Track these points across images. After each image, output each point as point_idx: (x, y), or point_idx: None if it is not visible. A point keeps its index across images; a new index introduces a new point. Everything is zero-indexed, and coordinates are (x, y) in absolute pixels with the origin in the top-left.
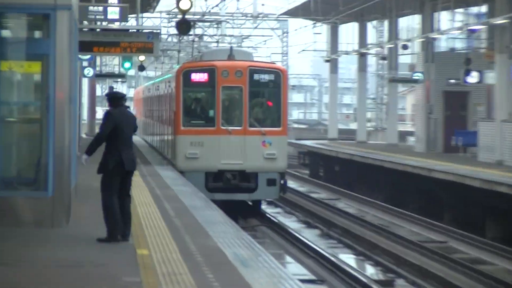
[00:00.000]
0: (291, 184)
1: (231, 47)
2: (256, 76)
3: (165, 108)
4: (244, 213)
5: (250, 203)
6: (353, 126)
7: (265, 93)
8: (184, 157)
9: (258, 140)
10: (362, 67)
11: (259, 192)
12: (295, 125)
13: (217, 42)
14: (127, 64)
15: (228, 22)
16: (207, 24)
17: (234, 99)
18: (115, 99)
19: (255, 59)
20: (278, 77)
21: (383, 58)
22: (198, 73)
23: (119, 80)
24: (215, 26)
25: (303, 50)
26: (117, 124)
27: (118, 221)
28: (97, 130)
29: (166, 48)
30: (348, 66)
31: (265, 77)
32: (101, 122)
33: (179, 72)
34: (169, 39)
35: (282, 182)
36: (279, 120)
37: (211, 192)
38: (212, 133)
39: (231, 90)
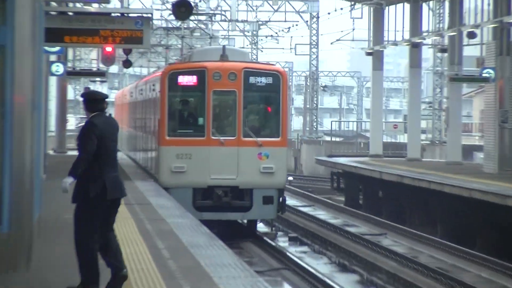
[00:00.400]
0: (321, 215)
1: (224, 46)
2: (252, 79)
3: (149, 116)
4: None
5: (244, 222)
6: (402, 138)
7: (262, 99)
8: (169, 171)
9: (253, 152)
10: (415, 62)
11: (254, 211)
12: (327, 138)
13: (211, 38)
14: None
15: (239, 4)
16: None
17: (227, 105)
18: (94, 102)
19: (274, 54)
20: (277, 80)
21: (443, 50)
22: (186, 76)
23: (98, 79)
24: (209, 19)
25: (338, 40)
26: (102, 138)
27: (95, 268)
28: (69, 145)
29: (154, 44)
30: (396, 60)
31: (263, 81)
32: (80, 136)
33: (164, 74)
34: (158, 29)
35: (280, 199)
36: (278, 129)
37: (200, 211)
38: (201, 144)
39: (224, 95)
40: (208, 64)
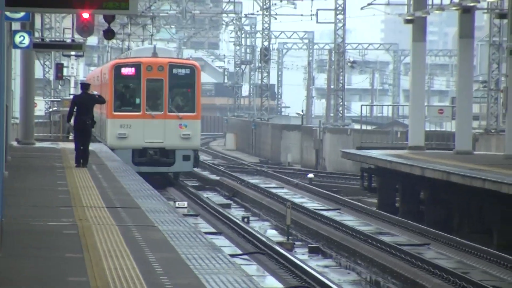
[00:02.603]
0: (349, 221)
1: (155, 46)
2: (175, 71)
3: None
4: None
5: (171, 174)
6: (449, 127)
7: (182, 85)
8: (115, 137)
9: (175, 123)
10: (466, 31)
11: (176, 165)
12: (356, 126)
13: (152, 36)
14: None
15: None
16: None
17: (157, 89)
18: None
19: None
20: (193, 71)
21: (502, 16)
22: (127, 68)
23: (73, 53)
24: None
25: (370, 4)
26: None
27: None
28: (37, 134)
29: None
30: (443, 29)
31: (182, 71)
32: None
33: (111, 66)
34: None
35: (194, 157)
36: (194, 106)
37: (137, 165)
38: (138, 117)
39: (154, 82)
40: (143, 60)
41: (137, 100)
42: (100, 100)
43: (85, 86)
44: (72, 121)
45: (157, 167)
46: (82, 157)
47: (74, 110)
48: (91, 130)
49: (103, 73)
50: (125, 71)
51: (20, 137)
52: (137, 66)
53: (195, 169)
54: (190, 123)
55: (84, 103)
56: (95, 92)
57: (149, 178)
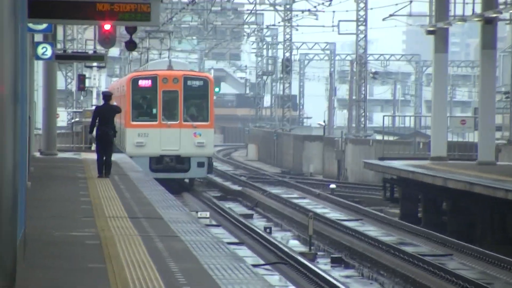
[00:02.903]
0: (371, 231)
1: (170, 59)
2: (189, 82)
3: (122, 107)
4: None
5: (186, 181)
6: (472, 137)
7: (196, 96)
8: (133, 145)
9: (190, 132)
10: (489, 43)
11: (191, 172)
12: (378, 137)
13: (169, 50)
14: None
15: None
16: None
17: (172, 100)
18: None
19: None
20: (206, 83)
21: None
22: (144, 80)
23: (95, 64)
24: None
25: (392, 16)
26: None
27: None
28: (59, 145)
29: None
30: (465, 40)
31: (196, 83)
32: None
33: (128, 79)
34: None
35: (208, 164)
36: (207, 116)
37: (154, 172)
38: (154, 127)
39: (170, 93)
40: (159, 72)
41: (154, 110)
42: (118, 110)
43: (107, 96)
44: (94, 132)
45: (173, 173)
46: (105, 167)
47: (97, 121)
48: (113, 140)
49: (121, 85)
50: (142, 83)
51: (42, 148)
52: (153, 78)
53: (218, 180)
54: (204, 131)
55: (106, 114)
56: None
57: (169, 186)
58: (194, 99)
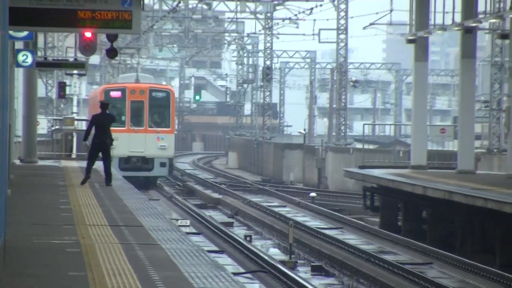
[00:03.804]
0: (351, 239)
1: (137, 74)
2: (154, 94)
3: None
4: None
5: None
6: (452, 146)
7: (159, 105)
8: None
9: (154, 136)
10: (468, 51)
11: (155, 171)
12: (358, 145)
13: (137, 65)
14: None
15: None
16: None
17: (139, 109)
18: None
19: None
20: (168, 94)
21: (504, 36)
22: (114, 91)
23: (75, 72)
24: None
25: (372, 24)
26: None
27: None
28: (39, 153)
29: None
30: (445, 49)
31: (160, 94)
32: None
33: (101, 90)
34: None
35: (168, 164)
36: (169, 123)
37: (123, 171)
38: (123, 132)
39: (137, 103)
40: (128, 85)
41: (123, 118)
42: (114, 118)
43: (105, 105)
44: (89, 140)
45: (139, 172)
46: (106, 175)
47: (92, 129)
48: (110, 148)
49: (95, 95)
50: (113, 94)
51: (22, 155)
52: (123, 90)
53: (198, 188)
54: (166, 136)
55: (103, 122)
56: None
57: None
58: (158, 108)
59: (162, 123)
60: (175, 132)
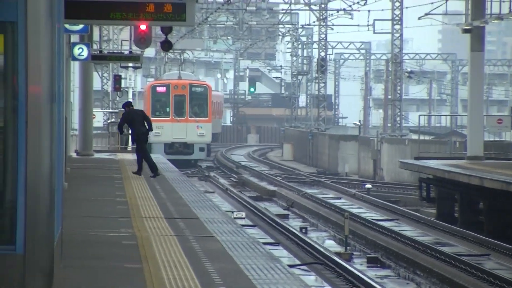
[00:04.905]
0: (407, 231)
1: (180, 72)
2: (193, 89)
3: (146, 107)
4: None
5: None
6: (509, 136)
7: (199, 99)
8: (152, 134)
9: (194, 125)
10: None
11: (195, 154)
12: (413, 136)
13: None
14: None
15: None
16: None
17: (181, 102)
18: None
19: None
20: (206, 89)
21: None
22: (160, 87)
23: (131, 64)
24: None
25: (427, 15)
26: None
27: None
28: (96, 145)
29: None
30: (501, 39)
31: (198, 89)
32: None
33: (149, 86)
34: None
35: (206, 149)
36: (207, 114)
37: (167, 154)
38: (168, 121)
39: (179, 97)
40: (171, 81)
41: (167, 109)
42: (143, 113)
43: (128, 104)
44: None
45: (181, 155)
46: (151, 168)
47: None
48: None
49: (145, 91)
50: (159, 89)
51: (79, 148)
52: (167, 86)
53: (254, 180)
54: (204, 125)
55: (136, 117)
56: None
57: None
58: (197, 101)
59: (200, 113)
60: (222, 123)
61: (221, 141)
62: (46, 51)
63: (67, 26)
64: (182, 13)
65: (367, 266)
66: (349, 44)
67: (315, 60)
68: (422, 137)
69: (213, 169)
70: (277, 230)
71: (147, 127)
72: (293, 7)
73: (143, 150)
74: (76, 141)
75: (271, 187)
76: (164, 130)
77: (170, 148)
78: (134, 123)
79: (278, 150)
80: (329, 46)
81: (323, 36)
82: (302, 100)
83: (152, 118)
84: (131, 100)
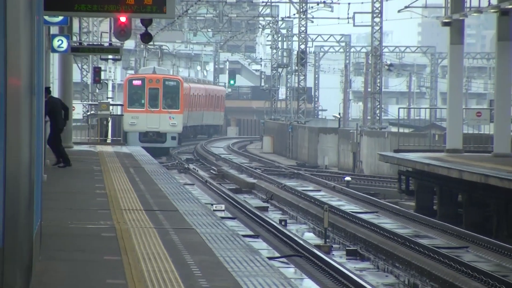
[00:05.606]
0: (386, 224)
1: (154, 67)
2: (167, 82)
3: (123, 99)
4: None
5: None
6: (488, 129)
7: (171, 92)
8: (128, 124)
9: (167, 116)
10: (504, 34)
11: (167, 143)
12: (393, 129)
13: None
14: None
15: None
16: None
17: (155, 94)
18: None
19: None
20: (178, 83)
21: None
22: (136, 80)
23: (110, 56)
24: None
25: (407, 7)
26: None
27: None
28: (75, 137)
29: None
30: (480, 32)
31: (171, 83)
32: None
33: (126, 79)
34: None
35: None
36: (178, 105)
37: (142, 142)
38: (142, 112)
39: (154, 90)
40: (146, 75)
41: (143, 101)
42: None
43: (46, 89)
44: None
45: (154, 143)
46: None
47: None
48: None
49: (123, 83)
50: (135, 82)
51: None
52: (142, 79)
53: (233, 172)
54: (176, 116)
55: (57, 107)
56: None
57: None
58: (170, 94)
59: (173, 105)
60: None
61: (200, 134)
62: (25, 43)
63: (46, 17)
64: (162, 5)
65: (347, 259)
66: (329, 37)
67: (295, 52)
68: (401, 130)
69: (193, 162)
70: (257, 222)
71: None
72: None
73: (56, 141)
74: None
75: (251, 180)
76: (139, 120)
77: (145, 136)
78: (55, 114)
79: (258, 142)
80: (309, 39)
81: (303, 28)
82: (282, 92)
83: (128, 109)
84: (49, 86)
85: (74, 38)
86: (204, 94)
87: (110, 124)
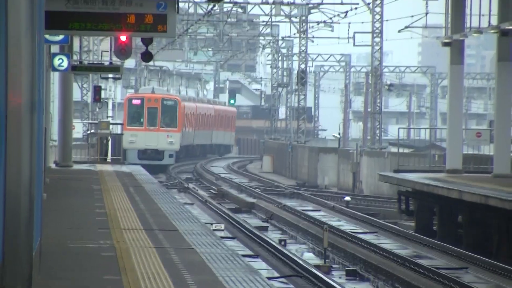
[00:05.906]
0: (386, 244)
1: (153, 87)
2: (165, 102)
3: (123, 117)
4: None
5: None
6: (487, 150)
7: (169, 111)
8: (128, 141)
9: (165, 134)
10: (504, 54)
11: (164, 160)
12: (393, 149)
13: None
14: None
15: None
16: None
17: (154, 113)
18: None
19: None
20: (176, 103)
21: None
22: (135, 100)
23: (110, 75)
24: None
25: (407, 27)
26: None
27: None
28: (75, 157)
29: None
30: (480, 52)
31: (169, 102)
32: None
33: (126, 99)
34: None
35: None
36: (176, 124)
37: (140, 159)
38: (142, 130)
39: (152, 109)
40: (145, 95)
41: (141, 120)
42: None
43: None
44: None
45: (152, 160)
46: None
47: None
48: None
49: (123, 102)
50: (135, 101)
51: (58, 159)
52: (142, 99)
53: (233, 192)
54: (173, 134)
55: None
56: None
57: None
58: (168, 113)
59: (171, 124)
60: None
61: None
62: (26, 61)
63: (47, 36)
64: (163, 25)
65: (346, 279)
66: (329, 57)
67: (295, 72)
68: (401, 150)
69: (192, 181)
70: (256, 242)
71: None
72: (273, 19)
73: None
74: (56, 152)
75: (250, 199)
76: (138, 138)
77: (143, 154)
78: None
79: (257, 162)
80: (309, 58)
81: (303, 48)
82: (282, 112)
83: (127, 127)
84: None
85: (75, 57)
86: (213, 114)
87: (110, 143)
